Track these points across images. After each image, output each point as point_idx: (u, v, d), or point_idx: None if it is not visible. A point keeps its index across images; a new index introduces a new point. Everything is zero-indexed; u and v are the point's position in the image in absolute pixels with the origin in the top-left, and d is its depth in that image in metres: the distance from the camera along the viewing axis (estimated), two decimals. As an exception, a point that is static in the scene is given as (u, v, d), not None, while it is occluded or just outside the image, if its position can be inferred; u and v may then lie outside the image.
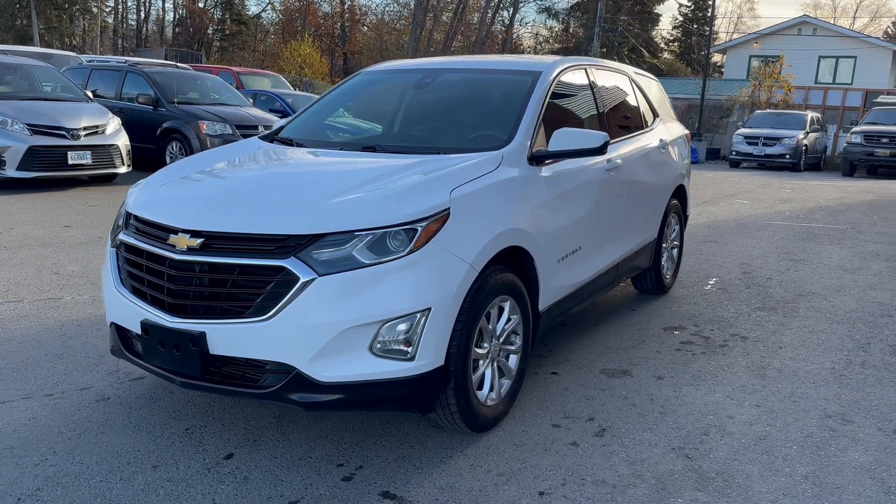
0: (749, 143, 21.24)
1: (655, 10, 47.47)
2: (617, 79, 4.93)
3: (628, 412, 3.46)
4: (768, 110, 24.73)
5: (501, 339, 3.23)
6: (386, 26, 40.44)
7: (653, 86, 5.63)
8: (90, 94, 11.07)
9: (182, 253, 2.76)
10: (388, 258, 2.70)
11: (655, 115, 5.38)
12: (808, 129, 21.24)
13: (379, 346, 2.70)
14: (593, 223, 4.04)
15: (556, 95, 3.98)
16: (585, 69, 4.46)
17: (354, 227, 2.72)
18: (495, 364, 3.21)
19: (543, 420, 3.34)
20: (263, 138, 4.11)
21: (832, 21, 49.42)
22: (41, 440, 3.00)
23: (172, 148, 11.91)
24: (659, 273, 5.36)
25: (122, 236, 3.10)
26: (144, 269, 2.94)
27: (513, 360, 3.33)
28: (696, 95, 33.75)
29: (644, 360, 4.14)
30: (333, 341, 2.66)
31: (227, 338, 2.71)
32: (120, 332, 3.15)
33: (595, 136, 3.55)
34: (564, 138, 3.58)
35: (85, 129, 9.62)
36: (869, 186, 15.23)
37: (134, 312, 2.93)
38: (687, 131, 5.96)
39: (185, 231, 2.79)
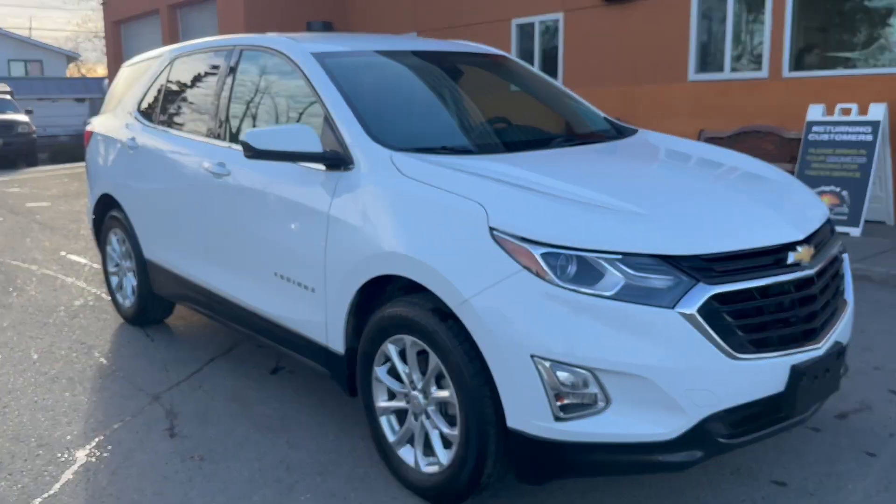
0: None
1: None
2: None
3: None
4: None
5: None
6: None
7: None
8: None
9: (810, 267, 2.50)
10: None
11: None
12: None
13: None
14: None
15: None
16: None
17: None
18: None
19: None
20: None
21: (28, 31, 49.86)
22: None
23: None
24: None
25: (713, 288, 2.26)
26: (767, 311, 2.40)
27: None
28: None
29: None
30: None
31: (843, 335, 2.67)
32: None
33: None
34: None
35: None
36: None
37: (770, 369, 2.37)
38: None
39: (801, 242, 2.51)
